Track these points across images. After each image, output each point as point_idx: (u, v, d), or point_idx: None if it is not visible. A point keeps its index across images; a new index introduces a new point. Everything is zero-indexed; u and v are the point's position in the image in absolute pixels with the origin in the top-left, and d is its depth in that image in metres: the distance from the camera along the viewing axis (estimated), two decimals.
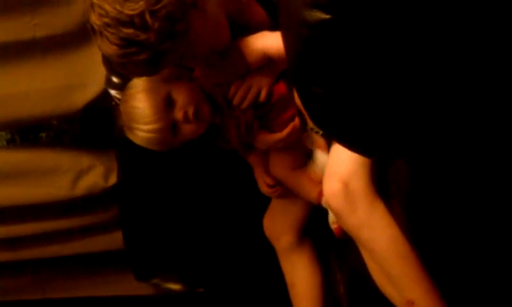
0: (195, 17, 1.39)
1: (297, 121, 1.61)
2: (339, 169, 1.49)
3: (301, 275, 1.85)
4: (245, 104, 1.58)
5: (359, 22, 0.88)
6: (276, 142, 1.62)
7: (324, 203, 1.61)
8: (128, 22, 1.30)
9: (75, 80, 1.98)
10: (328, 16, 0.88)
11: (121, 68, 1.40)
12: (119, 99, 1.85)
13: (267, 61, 1.53)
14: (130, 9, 1.29)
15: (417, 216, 1.50)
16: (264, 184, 1.77)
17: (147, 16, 1.29)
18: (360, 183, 1.46)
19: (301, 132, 1.64)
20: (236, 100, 1.58)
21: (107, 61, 1.82)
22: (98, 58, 1.85)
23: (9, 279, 2.34)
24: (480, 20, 0.88)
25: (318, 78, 0.98)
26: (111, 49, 1.33)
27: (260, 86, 1.57)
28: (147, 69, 1.37)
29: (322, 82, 0.97)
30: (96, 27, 1.34)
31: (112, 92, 1.89)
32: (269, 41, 1.50)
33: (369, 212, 1.46)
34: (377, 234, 1.46)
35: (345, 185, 1.47)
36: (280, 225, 1.85)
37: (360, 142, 1.11)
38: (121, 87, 1.77)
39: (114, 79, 1.87)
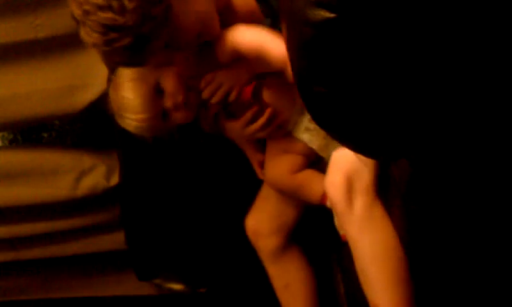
0: (176, 1, 1.39)
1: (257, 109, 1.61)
2: (344, 163, 1.48)
3: (295, 275, 1.80)
4: (214, 100, 1.58)
5: (364, 21, 0.88)
6: (242, 129, 1.61)
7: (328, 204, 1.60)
8: (106, 6, 1.31)
9: (77, 81, 1.98)
10: (332, 15, 0.88)
11: (108, 59, 1.42)
12: None
13: (237, 57, 1.52)
14: None
15: (419, 215, 1.50)
16: (258, 166, 1.75)
17: None
18: (363, 182, 1.45)
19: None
20: (205, 94, 1.57)
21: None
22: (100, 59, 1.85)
23: (10, 279, 2.34)
24: (482, 20, 0.88)
25: (322, 78, 0.98)
26: (94, 38, 1.34)
27: (232, 86, 1.57)
28: (132, 57, 1.38)
29: (326, 82, 0.97)
30: (78, 18, 1.36)
31: None
32: (241, 37, 1.49)
33: (364, 212, 1.45)
34: (365, 234, 1.45)
35: (348, 179, 1.45)
36: (269, 226, 1.80)
37: (363, 143, 1.11)
38: None
39: None
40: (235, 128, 1.63)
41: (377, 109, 0.97)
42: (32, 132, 2.24)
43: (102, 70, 1.87)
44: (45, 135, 2.25)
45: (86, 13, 1.33)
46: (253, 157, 1.77)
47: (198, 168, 1.97)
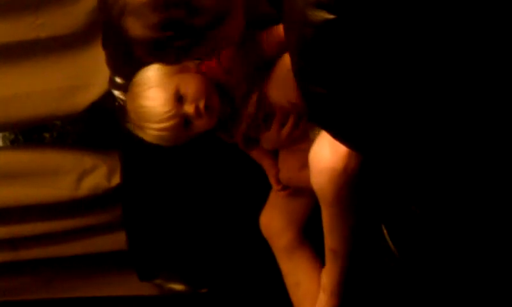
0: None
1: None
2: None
3: (306, 273, 1.81)
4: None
5: (363, 22, 0.88)
6: (278, 132, 1.60)
7: None
8: (183, 3, 1.23)
9: (78, 81, 1.98)
10: (332, 16, 0.89)
11: (144, 53, 1.32)
12: (122, 100, 1.85)
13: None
14: None
15: (419, 215, 1.50)
16: (274, 179, 1.75)
17: None
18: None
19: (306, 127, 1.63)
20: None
21: (110, 61, 1.83)
22: (102, 59, 1.86)
23: (11, 279, 2.34)
24: (483, 21, 0.88)
25: (322, 78, 0.98)
26: (149, 31, 1.25)
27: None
28: (175, 57, 1.32)
29: (326, 82, 0.98)
30: (130, 7, 1.24)
31: (116, 93, 1.90)
32: None
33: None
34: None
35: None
36: (280, 222, 1.81)
37: (363, 143, 1.11)
38: (124, 88, 1.77)
39: (118, 80, 1.87)
40: (271, 136, 1.62)
41: (377, 108, 0.97)
42: (34, 132, 2.25)
43: (104, 70, 1.88)
44: (47, 135, 2.25)
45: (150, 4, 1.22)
46: (270, 171, 1.78)
47: (199, 168, 1.98)
